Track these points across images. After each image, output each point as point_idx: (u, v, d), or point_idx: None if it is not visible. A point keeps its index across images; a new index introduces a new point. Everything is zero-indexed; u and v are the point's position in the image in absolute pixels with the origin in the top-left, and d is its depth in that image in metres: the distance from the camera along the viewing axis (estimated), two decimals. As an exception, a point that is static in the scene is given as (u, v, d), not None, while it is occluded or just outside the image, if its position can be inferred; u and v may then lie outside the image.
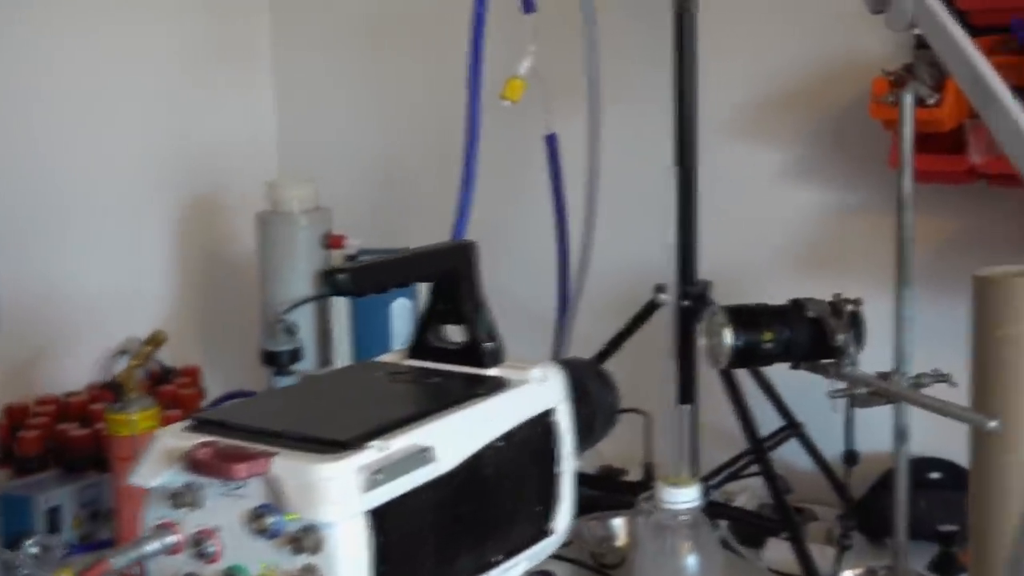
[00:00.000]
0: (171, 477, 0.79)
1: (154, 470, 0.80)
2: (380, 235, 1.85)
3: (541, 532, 0.90)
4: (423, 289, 0.90)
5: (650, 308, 1.59)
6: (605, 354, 1.62)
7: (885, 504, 1.32)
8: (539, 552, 0.90)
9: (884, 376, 1.24)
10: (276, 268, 1.73)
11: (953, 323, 1.27)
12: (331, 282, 0.79)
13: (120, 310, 1.85)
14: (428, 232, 1.44)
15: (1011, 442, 1.16)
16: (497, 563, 0.85)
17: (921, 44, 1.47)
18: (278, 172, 2.12)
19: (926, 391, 1.23)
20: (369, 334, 1.68)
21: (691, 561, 1.21)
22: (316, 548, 0.74)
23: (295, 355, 1.66)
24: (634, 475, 1.69)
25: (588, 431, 0.95)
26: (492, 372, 0.89)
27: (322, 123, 2.11)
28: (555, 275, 1.68)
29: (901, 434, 1.26)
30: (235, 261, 1.99)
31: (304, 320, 1.71)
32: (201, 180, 2.01)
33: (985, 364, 1.20)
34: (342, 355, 1.70)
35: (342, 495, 0.73)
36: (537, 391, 0.88)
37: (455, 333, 0.91)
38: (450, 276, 0.89)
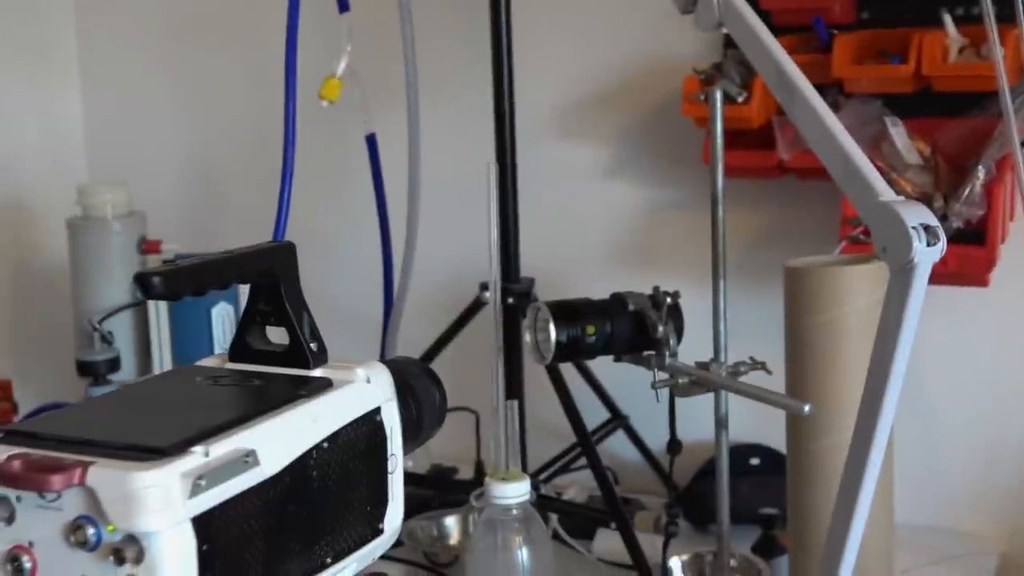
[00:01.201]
0: (-19, 493, 0.75)
1: (-39, 486, 0.76)
2: (198, 239, 1.81)
3: (372, 532, 0.89)
4: (244, 293, 0.89)
5: (476, 306, 1.59)
6: (432, 354, 1.62)
7: (709, 491, 1.35)
8: (370, 552, 0.89)
9: (703, 366, 1.27)
10: (90, 275, 1.68)
11: (769, 312, 1.31)
12: (145, 285, 0.77)
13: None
14: (247, 235, 1.40)
15: (824, 426, 1.21)
16: (327, 565, 0.84)
17: (730, 43, 1.51)
18: (88, 175, 2.05)
19: (744, 379, 1.26)
20: (189, 341, 1.65)
21: (522, 554, 1.22)
22: (138, 559, 0.71)
23: (112, 364, 1.62)
24: (465, 473, 1.69)
25: (416, 429, 0.94)
26: (316, 373, 0.88)
27: (134, 123, 2.05)
28: (380, 276, 1.67)
29: (721, 422, 1.29)
30: (46, 269, 1.91)
31: (121, 328, 1.66)
32: (5, 186, 1.92)
33: (798, 351, 1.24)
34: (161, 363, 1.66)
35: (163, 503, 0.71)
36: (363, 391, 0.87)
37: (276, 335, 0.89)
38: (269, 277, 0.87)
